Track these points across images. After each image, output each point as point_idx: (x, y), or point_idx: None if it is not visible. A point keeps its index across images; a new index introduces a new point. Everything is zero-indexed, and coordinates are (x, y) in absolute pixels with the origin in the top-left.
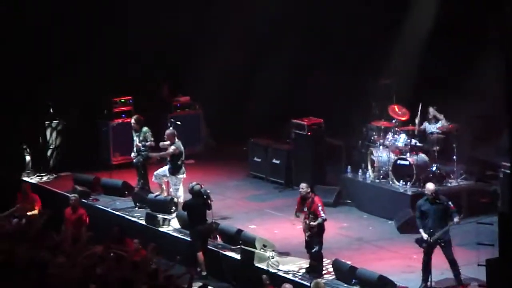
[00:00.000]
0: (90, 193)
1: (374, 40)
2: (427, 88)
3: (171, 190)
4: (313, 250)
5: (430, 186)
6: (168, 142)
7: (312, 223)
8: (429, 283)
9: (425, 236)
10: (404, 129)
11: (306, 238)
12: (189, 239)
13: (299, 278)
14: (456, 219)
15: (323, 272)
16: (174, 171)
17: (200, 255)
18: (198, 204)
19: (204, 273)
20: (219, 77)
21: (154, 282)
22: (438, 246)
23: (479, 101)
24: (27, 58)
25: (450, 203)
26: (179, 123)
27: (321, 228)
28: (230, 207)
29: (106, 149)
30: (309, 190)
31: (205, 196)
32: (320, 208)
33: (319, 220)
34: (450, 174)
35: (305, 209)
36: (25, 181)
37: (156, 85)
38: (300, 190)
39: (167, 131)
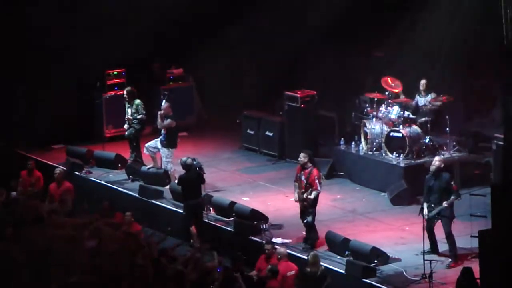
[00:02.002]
0: (83, 166)
1: (367, 13)
2: (418, 61)
3: (163, 162)
4: (305, 221)
5: (435, 158)
6: (162, 112)
7: (309, 196)
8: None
9: (426, 211)
10: (397, 101)
11: (301, 207)
12: (181, 211)
13: (294, 251)
14: (445, 204)
15: (316, 243)
16: (167, 144)
17: (192, 229)
18: (191, 178)
19: (197, 245)
20: (213, 49)
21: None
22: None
23: (472, 72)
24: (23, 28)
25: (452, 183)
26: (171, 95)
27: (315, 200)
28: (223, 180)
29: (99, 122)
30: (307, 160)
31: (198, 169)
32: (317, 180)
33: (314, 193)
34: (443, 146)
35: (303, 178)
36: (30, 157)
37: (148, 59)
38: (299, 159)
39: (164, 104)
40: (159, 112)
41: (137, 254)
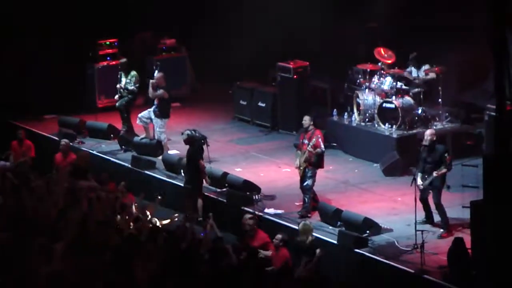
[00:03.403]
0: (76, 136)
1: None
2: (413, 31)
3: (156, 132)
4: (304, 184)
5: (427, 132)
6: (154, 82)
7: (312, 150)
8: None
9: (419, 181)
10: (390, 72)
11: (300, 173)
12: (174, 181)
13: (287, 221)
14: (435, 174)
15: (310, 211)
16: (160, 114)
17: (200, 201)
18: (195, 150)
19: (200, 219)
20: (206, 19)
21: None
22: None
23: (465, 43)
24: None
25: (446, 154)
26: (158, 63)
27: (318, 160)
28: (216, 150)
29: (91, 92)
30: (311, 122)
31: (202, 141)
32: (320, 139)
33: (319, 150)
34: (436, 117)
35: (305, 141)
36: (21, 127)
37: (141, 29)
38: (303, 122)
39: (157, 74)
40: (151, 81)
41: (128, 224)
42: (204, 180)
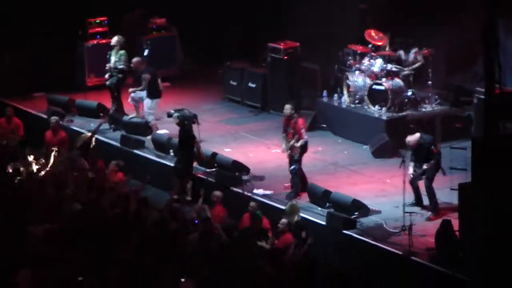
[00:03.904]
0: (65, 115)
1: None
2: (403, 13)
3: (144, 113)
4: (291, 168)
5: (411, 141)
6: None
7: (295, 144)
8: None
9: (411, 170)
10: (380, 54)
11: (289, 158)
12: (163, 161)
13: (275, 202)
14: (425, 166)
15: (299, 193)
16: (150, 95)
17: (190, 182)
18: (187, 129)
19: (189, 198)
20: None
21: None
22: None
23: (455, 26)
24: None
25: (432, 147)
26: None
27: (302, 148)
28: (206, 131)
29: (81, 71)
30: (293, 111)
31: (193, 119)
32: (303, 130)
33: (301, 142)
34: (425, 99)
35: (290, 129)
36: (8, 104)
37: (131, 8)
38: (284, 110)
39: (133, 60)
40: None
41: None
42: (200, 157)
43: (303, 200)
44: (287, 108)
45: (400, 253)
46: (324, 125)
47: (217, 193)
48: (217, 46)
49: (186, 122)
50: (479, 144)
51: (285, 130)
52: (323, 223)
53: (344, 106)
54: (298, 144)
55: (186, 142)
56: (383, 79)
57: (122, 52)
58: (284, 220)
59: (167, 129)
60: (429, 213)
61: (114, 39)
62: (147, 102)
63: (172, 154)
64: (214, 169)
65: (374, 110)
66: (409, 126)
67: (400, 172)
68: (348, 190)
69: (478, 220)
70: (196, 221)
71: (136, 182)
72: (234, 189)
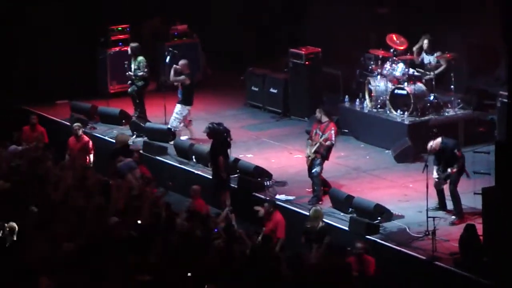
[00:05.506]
0: (88, 122)
1: None
2: (425, 17)
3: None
4: (312, 171)
5: (431, 144)
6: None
7: (321, 141)
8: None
9: (435, 174)
10: (402, 58)
11: (308, 162)
12: (185, 167)
13: (297, 207)
14: (449, 170)
15: (320, 198)
16: (183, 101)
17: (228, 194)
18: (217, 145)
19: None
20: (218, 5)
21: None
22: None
23: (478, 30)
24: None
25: (455, 150)
26: (175, 51)
27: (327, 152)
28: None
29: (103, 78)
30: (322, 114)
31: (225, 134)
32: (333, 132)
33: (329, 142)
34: (448, 104)
35: (318, 132)
36: (32, 112)
37: (152, 15)
38: (316, 115)
39: (181, 61)
40: (174, 66)
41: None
42: (220, 173)
43: (326, 205)
44: (317, 111)
45: (424, 258)
46: (346, 130)
47: (195, 187)
48: (239, 52)
49: (217, 136)
50: (502, 148)
51: (314, 134)
52: (346, 228)
53: (366, 111)
54: (325, 143)
55: (215, 156)
56: (405, 84)
57: (140, 59)
58: (359, 245)
59: (197, 135)
60: (453, 217)
61: (130, 47)
62: (177, 107)
63: (194, 160)
64: (236, 175)
65: (396, 114)
66: (432, 130)
67: (422, 176)
68: (370, 195)
69: (502, 224)
70: (216, 230)
71: (159, 189)
72: (257, 194)
